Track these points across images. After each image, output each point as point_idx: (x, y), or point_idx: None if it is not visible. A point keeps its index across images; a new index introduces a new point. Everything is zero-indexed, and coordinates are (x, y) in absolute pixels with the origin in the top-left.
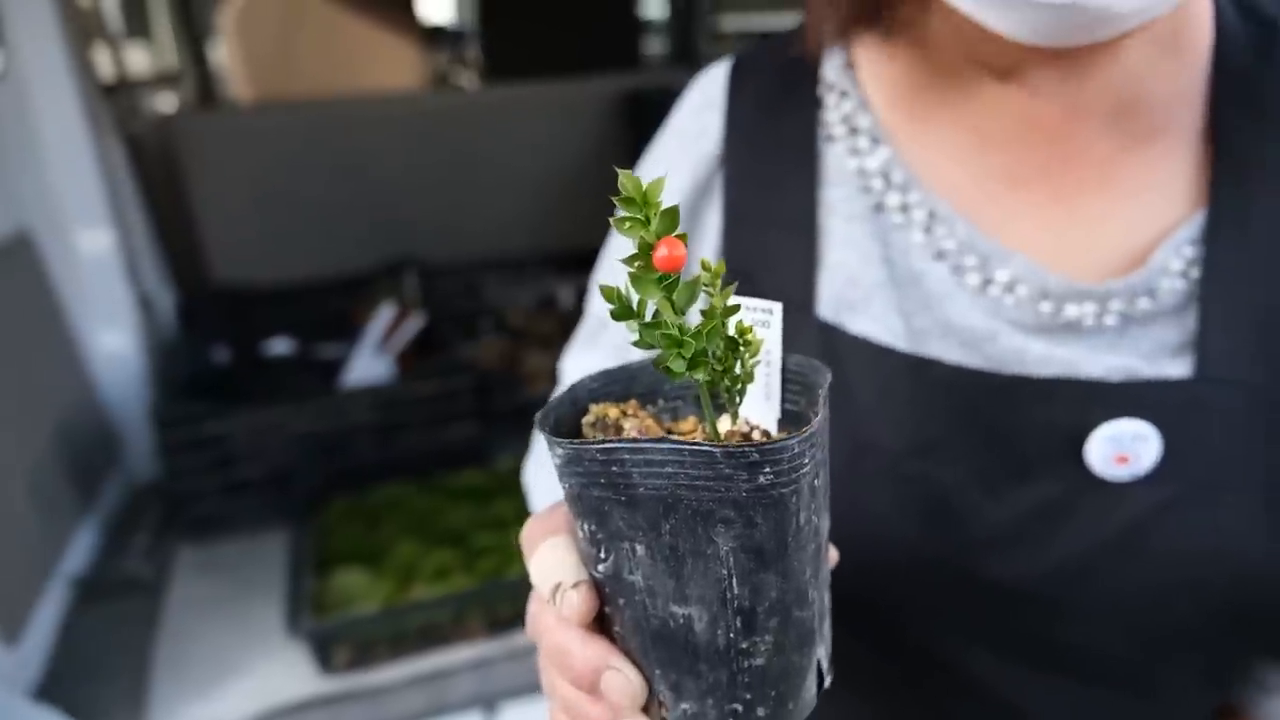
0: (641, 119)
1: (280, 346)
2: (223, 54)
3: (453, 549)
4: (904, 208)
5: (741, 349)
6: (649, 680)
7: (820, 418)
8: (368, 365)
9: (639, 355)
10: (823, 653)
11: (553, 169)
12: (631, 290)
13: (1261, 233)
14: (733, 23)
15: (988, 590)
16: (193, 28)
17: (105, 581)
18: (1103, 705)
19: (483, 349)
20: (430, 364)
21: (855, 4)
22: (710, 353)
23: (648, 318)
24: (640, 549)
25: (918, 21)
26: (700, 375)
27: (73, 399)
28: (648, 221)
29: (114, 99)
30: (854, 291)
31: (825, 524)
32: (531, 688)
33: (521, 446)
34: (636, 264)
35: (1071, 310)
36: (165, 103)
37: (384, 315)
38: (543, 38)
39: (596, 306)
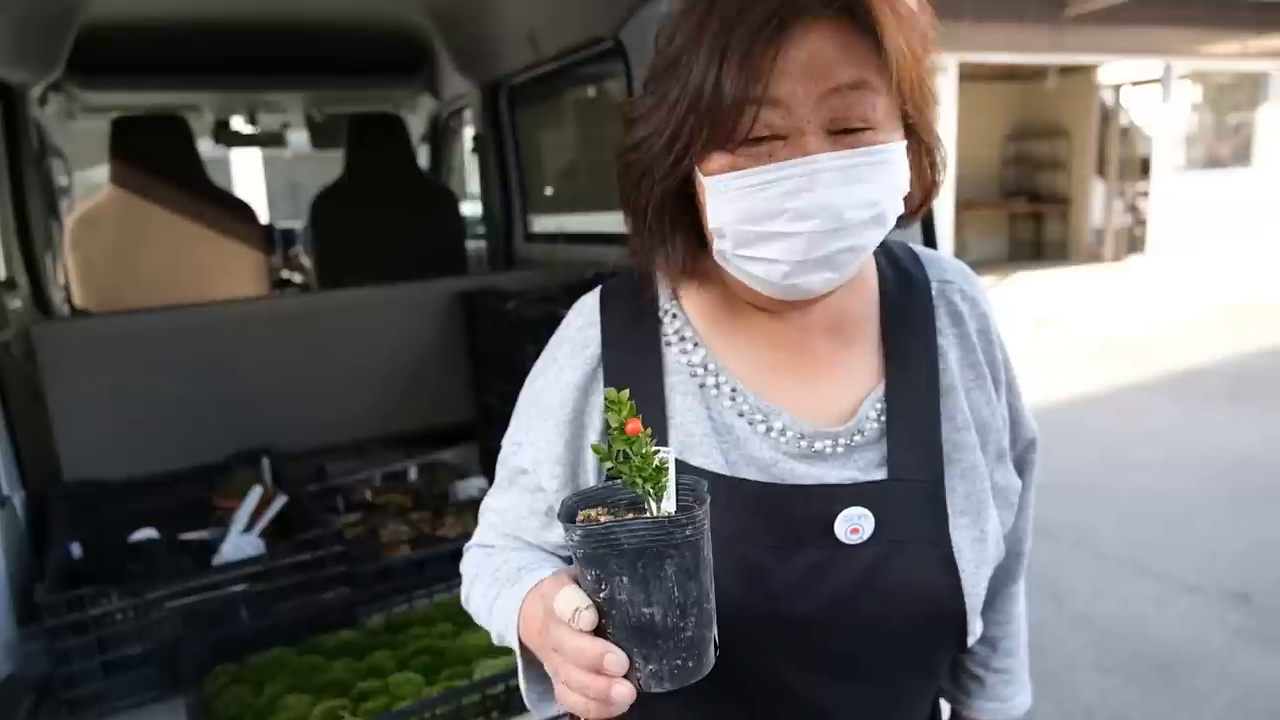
0: (473, 314)
1: (144, 535)
2: (55, 262)
3: (338, 697)
4: (717, 385)
5: (663, 473)
6: (629, 656)
7: (708, 503)
8: (237, 544)
9: (543, 495)
10: (715, 632)
11: (394, 360)
12: (613, 441)
13: (914, 393)
14: (541, 223)
15: (785, 623)
16: (28, 238)
17: None
18: (864, 694)
19: (341, 523)
20: (300, 539)
21: (677, 265)
22: (650, 473)
23: (619, 458)
24: (625, 579)
25: (711, 273)
26: (650, 489)
27: None
28: (622, 410)
29: None
30: (690, 439)
31: (712, 557)
32: None
33: (387, 606)
34: (615, 429)
35: (818, 444)
36: None
37: (251, 498)
38: (370, 247)
39: (512, 462)
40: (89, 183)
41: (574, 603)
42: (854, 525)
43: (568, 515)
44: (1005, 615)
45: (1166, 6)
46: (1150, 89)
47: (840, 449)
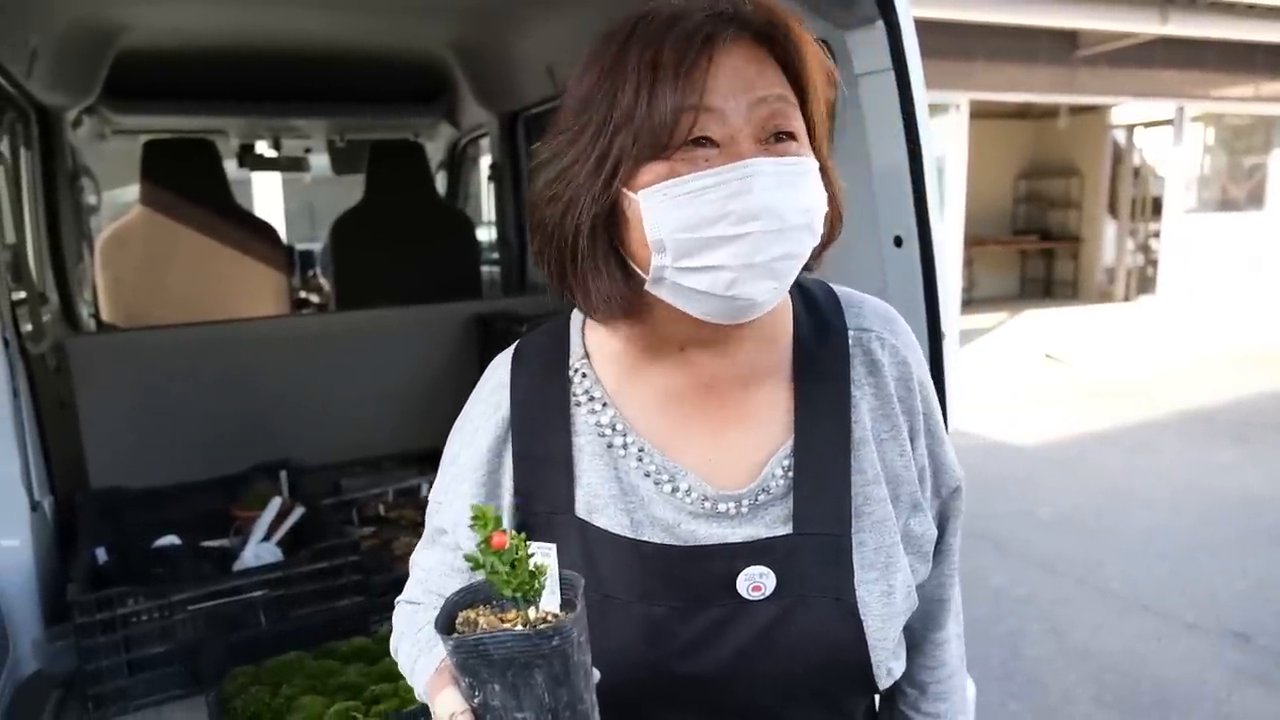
0: (488, 336)
1: (167, 541)
2: (82, 279)
3: (353, 699)
4: (624, 446)
5: (536, 576)
6: None
7: (580, 608)
8: (257, 552)
9: (465, 552)
10: None
11: (409, 380)
12: (480, 555)
13: (823, 447)
14: None
15: (687, 679)
16: (60, 255)
17: None
18: None
19: (357, 535)
20: (318, 548)
21: (616, 294)
22: (520, 582)
23: (489, 569)
24: (497, 687)
25: (635, 312)
26: (518, 596)
27: None
28: (487, 525)
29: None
30: (597, 500)
31: (588, 657)
32: None
33: None
34: (481, 544)
35: (722, 505)
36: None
37: (272, 508)
38: (388, 269)
39: (434, 521)
40: (114, 202)
41: (450, 708)
42: (755, 583)
43: (446, 618)
44: (934, 661)
45: (1178, 49)
46: (1162, 130)
47: (744, 509)
